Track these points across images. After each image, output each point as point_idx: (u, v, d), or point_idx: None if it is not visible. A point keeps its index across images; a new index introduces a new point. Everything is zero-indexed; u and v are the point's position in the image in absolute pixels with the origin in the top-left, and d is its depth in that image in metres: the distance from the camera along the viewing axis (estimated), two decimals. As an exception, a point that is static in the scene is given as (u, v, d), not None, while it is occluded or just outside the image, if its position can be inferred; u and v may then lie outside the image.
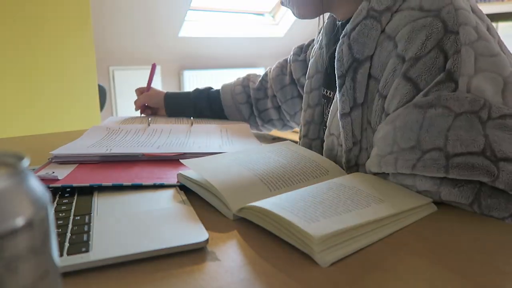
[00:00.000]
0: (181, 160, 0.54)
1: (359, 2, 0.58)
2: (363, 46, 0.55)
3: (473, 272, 0.32)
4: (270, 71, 0.94)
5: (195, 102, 0.97)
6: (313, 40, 0.86)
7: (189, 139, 0.75)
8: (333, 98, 0.65)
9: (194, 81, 3.31)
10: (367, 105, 0.56)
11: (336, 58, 0.58)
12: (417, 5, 0.52)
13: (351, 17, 0.61)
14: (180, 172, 0.52)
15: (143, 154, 0.63)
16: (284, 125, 0.96)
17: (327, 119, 0.67)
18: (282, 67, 0.91)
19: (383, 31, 0.54)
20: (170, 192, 0.49)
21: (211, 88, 1.01)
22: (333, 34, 0.71)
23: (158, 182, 0.51)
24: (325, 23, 0.73)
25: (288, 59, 0.90)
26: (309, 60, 0.79)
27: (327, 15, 0.74)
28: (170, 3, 2.84)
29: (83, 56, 1.86)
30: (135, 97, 1.07)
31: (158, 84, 3.21)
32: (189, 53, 3.30)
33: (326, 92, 0.71)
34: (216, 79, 3.36)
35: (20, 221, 0.18)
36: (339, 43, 0.58)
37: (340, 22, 0.68)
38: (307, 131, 0.74)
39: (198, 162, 0.53)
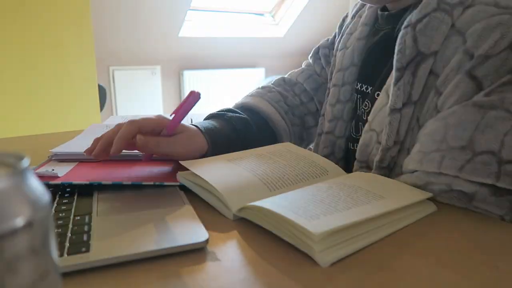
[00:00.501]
0: (180, 162, 0.54)
1: None
2: (431, 39, 0.51)
3: (473, 272, 0.32)
4: (299, 84, 0.81)
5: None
6: (334, 36, 0.81)
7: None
8: (371, 93, 0.62)
9: (194, 81, 3.31)
10: (421, 103, 0.52)
11: (396, 49, 0.54)
12: (492, 1, 0.49)
13: (404, 8, 0.58)
14: (180, 172, 0.52)
15: (143, 154, 0.63)
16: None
17: (361, 114, 0.64)
18: (316, 74, 0.82)
19: (453, 25, 0.50)
20: (170, 192, 0.49)
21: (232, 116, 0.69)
22: (373, 25, 0.68)
23: (158, 181, 0.51)
24: (365, 14, 0.69)
25: (318, 64, 0.82)
26: (336, 51, 0.74)
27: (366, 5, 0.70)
28: (170, 3, 2.83)
29: (83, 56, 1.86)
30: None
31: (158, 85, 3.21)
32: (189, 53, 3.30)
33: (361, 87, 0.66)
34: (216, 79, 3.36)
35: (20, 221, 0.18)
36: (401, 34, 0.54)
37: (385, 13, 0.64)
38: (334, 128, 0.69)
39: (197, 163, 0.53)
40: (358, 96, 0.67)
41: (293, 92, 0.80)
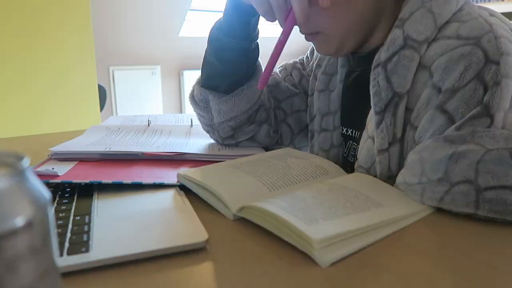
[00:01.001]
0: (179, 172, 0.53)
1: (387, 30, 0.55)
2: (404, 78, 0.51)
3: (473, 272, 0.32)
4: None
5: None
6: (307, 55, 0.78)
7: (189, 140, 0.75)
8: (358, 137, 0.60)
9: (194, 81, 3.31)
10: (404, 138, 0.53)
11: (372, 92, 0.53)
12: (454, 34, 0.49)
13: (373, 49, 0.57)
14: (179, 172, 0.52)
15: (143, 153, 0.63)
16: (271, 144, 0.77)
17: (351, 158, 0.63)
18: (277, 76, 0.78)
19: (419, 61, 0.51)
20: (170, 192, 0.49)
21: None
22: (347, 66, 0.66)
23: (158, 181, 0.51)
24: (339, 58, 0.67)
25: (284, 73, 0.78)
26: (313, 79, 0.71)
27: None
28: (170, 3, 2.84)
29: (83, 56, 1.86)
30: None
31: (158, 84, 3.21)
32: (189, 53, 3.30)
33: (347, 131, 0.65)
34: (216, 79, 3.35)
35: (20, 221, 0.18)
36: (372, 75, 0.54)
37: (356, 55, 0.63)
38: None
39: (196, 170, 0.53)
40: (347, 141, 0.66)
41: None
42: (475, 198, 0.41)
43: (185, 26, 3.11)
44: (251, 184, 0.48)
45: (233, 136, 0.70)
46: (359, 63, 0.63)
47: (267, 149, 0.71)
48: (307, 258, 0.35)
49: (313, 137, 0.71)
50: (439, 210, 0.45)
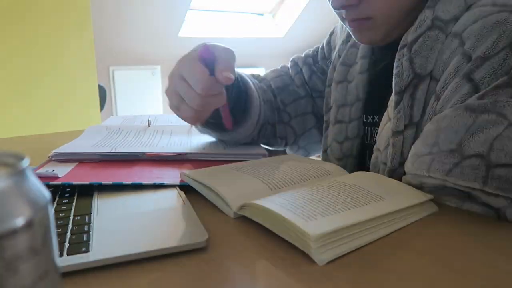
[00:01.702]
0: (183, 172, 0.53)
1: (416, 14, 0.53)
2: (426, 60, 0.50)
3: (473, 272, 0.32)
4: (265, 80, 0.78)
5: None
6: (318, 49, 0.78)
7: (191, 139, 0.75)
8: (379, 121, 0.60)
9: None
10: (424, 121, 0.51)
11: (394, 72, 0.53)
12: (489, 1, 0.47)
13: (398, 37, 0.56)
14: (184, 172, 0.52)
15: (145, 154, 0.63)
16: (280, 145, 0.80)
17: (371, 146, 0.62)
18: (287, 76, 0.79)
19: (447, 36, 0.50)
20: (170, 192, 0.49)
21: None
22: (370, 57, 0.65)
23: (158, 181, 0.52)
24: (362, 46, 0.66)
25: (295, 70, 0.79)
26: (329, 71, 0.71)
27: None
28: (170, 3, 2.84)
29: (83, 56, 1.86)
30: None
31: (158, 85, 3.21)
32: (189, 53, 3.30)
33: (372, 118, 0.64)
34: (216, 79, 3.35)
35: (20, 221, 0.18)
36: (397, 56, 0.53)
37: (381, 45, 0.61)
38: (344, 166, 0.66)
39: (200, 170, 0.54)
40: (368, 128, 0.65)
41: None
42: (484, 174, 0.40)
43: (185, 26, 3.11)
44: (253, 183, 0.49)
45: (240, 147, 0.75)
46: (385, 52, 0.62)
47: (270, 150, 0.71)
48: (307, 258, 0.35)
49: (327, 128, 0.70)
50: (439, 209, 0.45)
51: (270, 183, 0.49)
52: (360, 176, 0.50)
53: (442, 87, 0.48)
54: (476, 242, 0.38)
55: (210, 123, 0.67)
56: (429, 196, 0.45)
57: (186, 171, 0.52)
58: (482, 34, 0.45)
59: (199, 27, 3.20)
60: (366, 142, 0.66)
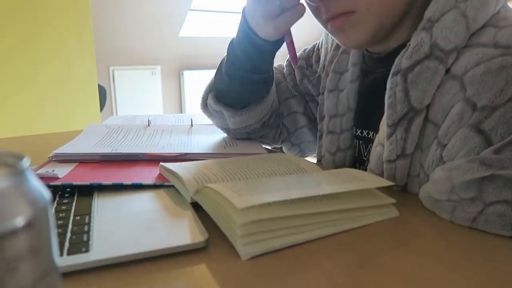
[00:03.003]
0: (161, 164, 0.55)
1: (410, 27, 0.51)
2: (424, 93, 0.46)
3: (472, 272, 0.32)
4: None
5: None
6: (313, 50, 0.77)
7: (190, 139, 0.75)
8: (372, 138, 0.58)
9: (194, 81, 3.31)
10: (421, 150, 0.49)
11: (386, 102, 0.50)
12: (490, 41, 0.43)
13: (393, 50, 0.54)
14: (162, 163, 0.54)
15: (145, 154, 0.63)
16: (276, 142, 0.80)
17: (364, 158, 0.61)
18: (281, 74, 0.79)
19: (447, 71, 0.46)
20: (170, 192, 0.49)
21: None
22: (361, 65, 0.63)
23: (158, 181, 0.52)
24: (353, 52, 0.64)
25: (288, 70, 0.78)
26: (321, 77, 0.70)
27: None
28: (170, 3, 2.84)
29: (83, 56, 1.86)
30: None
31: (158, 84, 3.21)
32: (189, 53, 3.30)
33: (361, 133, 0.62)
34: (216, 79, 3.35)
35: (20, 221, 0.18)
36: (390, 83, 0.49)
37: (373, 55, 0.60)
38: None
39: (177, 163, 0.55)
40: (360, 142, 0.63)
41: None
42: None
43: (185, 26, 3.12)
44: (217, 174, 0.49)
45: (246, 138, 0.75)
46: (376, 65, 0.60)
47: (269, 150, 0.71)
48: (307, 258, 0.35)
49: (321, 138, 0.69)
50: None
51: (234, 174, 0.49)
52: (332, 171, 0.49)
53: (445, 135, 0.45)
54: (476, 242, 0.38)
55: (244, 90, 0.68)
56: (390, 201, 0.43)
57: (164, 164, 0.54)
58: (486, 80, 0.42)
59: (199, 27, 3.20)
60: (355, 155, 0.65)
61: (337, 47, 0.69)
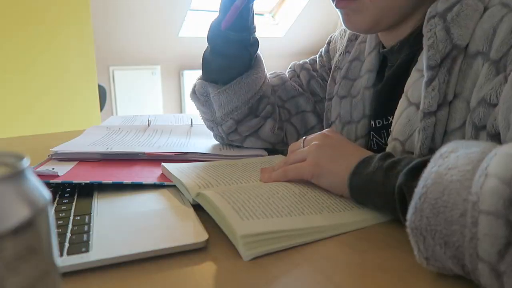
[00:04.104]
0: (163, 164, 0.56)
1: (421, 17, 0.51)
2: (466, 30, 0.46)
3: (473, 272, 0.32)
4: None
5: None
6: (321, 55, 0.76)
7: (190, 139, 0.75)
8: (388, 124, 0.57)
9: (194, 81, 3.31)
10: (464, 98, 0.46)
11: (426, 44, 0.48)
12: None
13: (405, 38, 0.54)
14: (163, 163, 0.55)
15: (145, 153, 0.63)
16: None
17: (381, 144, 0.59)
18: (284, 76, 0.78)
19: (485, 9, 0.46)
20: (170, 192, 0.49)
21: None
22: (378, 71, 0.62)
23: (158, 181, 0.52)
24: (368, 59, 0.63)
25: (291, 74, 0.77)
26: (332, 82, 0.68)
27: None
28: (170, 3, 2.84)
29: (83, 56, 1.86)
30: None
31: (158, 84, 3.21)
32: (189, 53, 3.30)
33: (376, 124, 0.60)
34: (216, 79, 3.36)
35: (20, 221, 0.18)
36: (426, 27, 0.49)
37: (395, 47, 0.57)
38: None
39: (176, 165, 0.56)
40: (373, 133, 0.61)
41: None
42: None
43: (185, 26, 3.11)
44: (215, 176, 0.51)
45: (236, 130, 0.68)
46: (397, 57, 0.58)
47: (270, 150, 0.70)
48: (307, 258, 0.35)
49: None
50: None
51: (229, 179, 0.50)
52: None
53: (501, 57, 0.43)
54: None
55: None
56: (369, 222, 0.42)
57: (165, 164, 0.55)
58: None
59: (199, 27, 3.20)
60: (371, 147, 0.63)
61: (343, 52, 0.68)
